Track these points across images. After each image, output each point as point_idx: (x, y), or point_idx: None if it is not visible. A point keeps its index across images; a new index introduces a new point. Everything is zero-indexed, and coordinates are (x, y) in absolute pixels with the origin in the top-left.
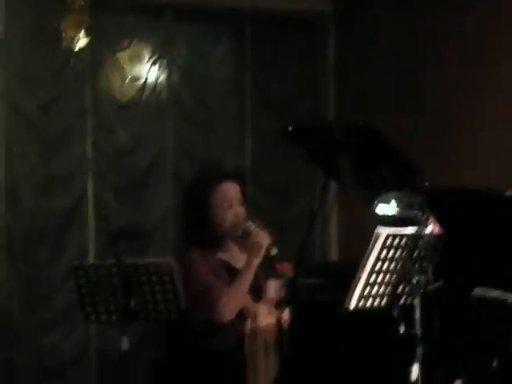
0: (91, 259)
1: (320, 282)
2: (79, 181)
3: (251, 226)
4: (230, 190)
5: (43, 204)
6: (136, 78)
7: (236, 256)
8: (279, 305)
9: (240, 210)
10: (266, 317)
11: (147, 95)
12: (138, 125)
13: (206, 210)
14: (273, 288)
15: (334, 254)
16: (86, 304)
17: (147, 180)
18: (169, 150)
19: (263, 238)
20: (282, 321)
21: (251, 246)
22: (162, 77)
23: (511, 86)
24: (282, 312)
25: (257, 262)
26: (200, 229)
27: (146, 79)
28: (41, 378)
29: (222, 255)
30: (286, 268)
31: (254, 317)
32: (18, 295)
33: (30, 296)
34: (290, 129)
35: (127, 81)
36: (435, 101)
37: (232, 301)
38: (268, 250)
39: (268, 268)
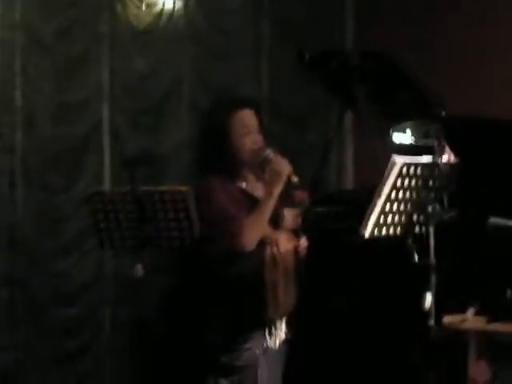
0: (106, 186)
1: (336, 210)
2: (95, 107)
3: (270, 153)
4: (248, 117)
5: (59, 130)
6: (153, 5)
7: (254, 185)
8: (296, 233)
9: (258, 138)
10: (285, 244)
11: (164, 22)
12: (155, 52)
13: (224, 136)
14: (290, 216)
15: (349, 183)
16: (101, 230)
17: (163, 107)
18: (185, 77)
19: (284, 166)
20: (299, 249)
21: (271, 175)
22: (179, 3)
23: None
24: (299, 240)
25: (278, 190)
26: (218, 156)
27: (163, 6)
28: (56, 303)
29: (240, 184)
30: (303, 196)
31: (274, 244)
32: (34, 220)
33: (45, 221)
34: (306, 55)
35: (144, 7)
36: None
37: (254, 230)
38: (289, 178)
39: (285, 196)
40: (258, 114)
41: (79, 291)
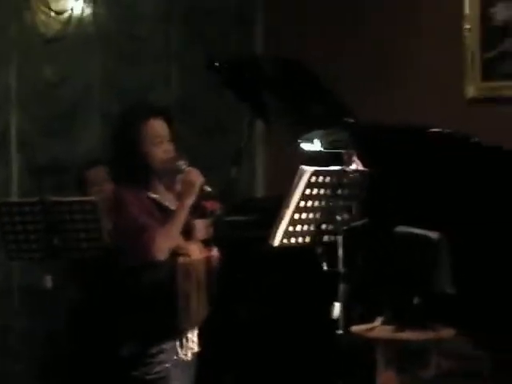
0: (14, 196)
1: (246, 219)
2: (3, 114)
3: (183, 164)
4: (159, 127)
5: None
6: (61, 11)
7: (165, 196)
8: (208, 244)
9: (169, 147)
10: (197, 255)
11: (73, 29)
12: (65, 59)
13: (135, 145)
14: (201, 227)
15: (260, 192)
16: (9, 241)
17: (75, 116)
18: (95, 83)
19: (196, 177)
20: (212, 259)
21: (184, 185)
22: (88, 10)
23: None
24: (211, 250)
25: (190, 201)
26: (129, 165)
27: (72, 12)
28: None
29: (151, 195)
30: (214, 207)
31: (186, 254)
32: None
33: None
34: (216, 63)
35: (52, 14)
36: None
37: (167, 240)
38: (201, 189)
39: (196, 207)
40: (169, 123)
41: None
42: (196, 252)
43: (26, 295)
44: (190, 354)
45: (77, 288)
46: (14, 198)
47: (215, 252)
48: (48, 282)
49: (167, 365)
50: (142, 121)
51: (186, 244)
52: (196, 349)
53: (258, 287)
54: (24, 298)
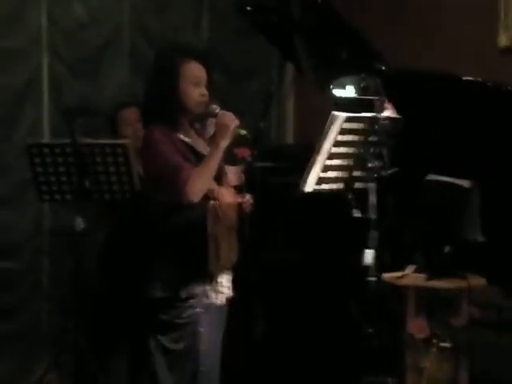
0: (46, 137)
1: (277, 166)
2: (33, 56)
3: (216, 108)
4: (199, 70)
5: None
6: None
7: (196, 141)
8: (240, 190)
9: (205, 92)
10: (228, 199)
11: None
12: (95, 1)
13: (174, 82)
14: (233, 173)
15: (289, 138)
16: (41, 183)
17: (103, 56)
18: (125, 25)
19: (231, 120)
20: (244, 205)
21: (219, 128)
22: None
23: None
24: (242, 197)
25: (225, 143)
26: (163, 106)
27: None
28: None
29: (184, 137)
30: (245, 153)
31: (217, 198)
32: None
33: None
34: (247, 7)
35: None
36: None
37: (201, 181)
38: (236, 132)
39: (227, 153)
40: (207, 68)
41: (18, 244)
42: (227, 197)
43: (57, 237)
44: (221, 299)
45: (107, 230)
46: (46, 140)
47: (248, 198)
48: (79, 223)
49: (198, 309)
50: (183, 60)
51: (217, 188)
52: (229, 294)
53: (289, 233)
54: (55, 240)
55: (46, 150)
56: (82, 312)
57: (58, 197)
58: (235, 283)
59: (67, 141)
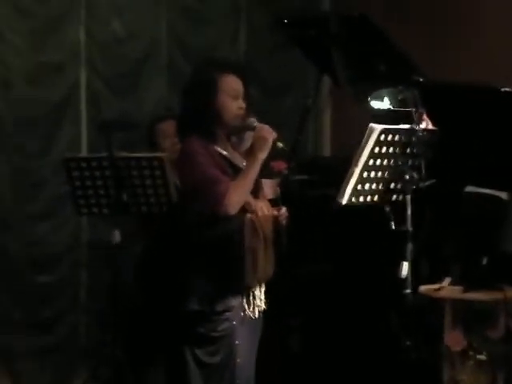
0: (83, 151)
1: (313, 178)
2: (72, 70)
3: (254, 121)
4: (237, 83)
5: (35, 93)
6: None
7: (233, 154)
8: (276, 203)
9: (243, 105)
10: (264, 212)
11: None
12: (132, 14)
13: (213, 94)
14: (269, 186)
15: (326, 151)
16: (78, 196)
17: (141, 71)
18: (162, 40)
19: (269, 133)
20: (280, 218)
21: (257, 141)
22: None
23: None
24: (279, 210)
25: (263, 156)
26: (201, 119)
27: None
28: (32, 269)
29: (221, 150)
30: (281, 166)
31: (254, 212)
32: (9, 186)
33: (21, 187)
34: (284, 20)
35: None
36: None
37: (239, 194)
38: (274, 144)
39: (263, 166)
40: (244, 82)
41: (56, 258)
42: (264, 210)
43: (95, 250)
44: (256, 312)
45: (145, 243)
46: (83, 154)
47: (284, 211)
48: (116, 236)
49: (234, 322)
50: (221, 73)
51: (254, 201)
52: (263, 307)
53: (327, 246)
54: (93, 253)
55: (83, 164)
56: (120, 325)
57: (95, 210)
58: (270, 295)
59: (104, 154)
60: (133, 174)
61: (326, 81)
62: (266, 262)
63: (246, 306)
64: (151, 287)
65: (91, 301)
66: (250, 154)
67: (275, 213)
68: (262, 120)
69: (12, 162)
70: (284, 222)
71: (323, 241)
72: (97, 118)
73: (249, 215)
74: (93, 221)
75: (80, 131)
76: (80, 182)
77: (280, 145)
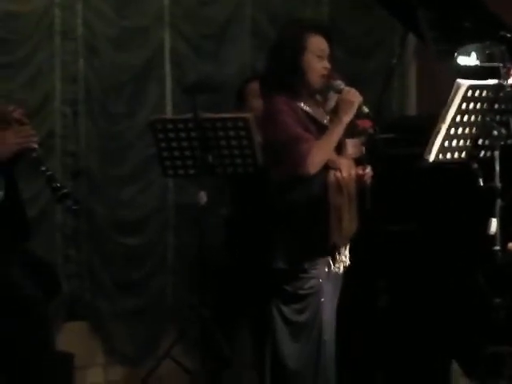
0: (168, 114)
1: (399, 137)
2: (155, 33)
3: (341, 84)
4: (323, 43)
5: (120, 58)
6: None
7: (317, 110)
8: (360, 162)
9: (328, 65)
10: (348, 170)
11: None
12: None
13: (299, 52)
14: (353, 145)
15: (412, 109)
16: (164, 158)
17: (225, 33)
18: (246, 2)
19: (355, 97)
20: (365, 177)
21: (343, 104)
22: None
23: None
24: (363, 169)
25: (348, 118)
26: (289, 72)
27: None
28: (120, 231)
29: (305, 107)
30: (367, 124)
31: (338, 169)
32: (97, 149)
33: (107, 150)
34: None
35: None
36: None
37: (321, 154)
38: (359, 108)
39: (348, 126)
40: (330, 42)
41: (143, 220)
42: (347, 168)
43: (182, 211)
44: (341, 268)
45: (231, 203)
46: (169, 115)
47: (368, 171)
48: (203, 197)
49: (320, 280)
50: (305, 33)
51: (338, 159)
52: (348, 262)
53: (414, 204)
54: (179, 214)
55: (169, 126)
56: (207, 285)
57: (181, 172)
58: (357, 255)
59: (190, 116)
60: (218, 135)
61: (411, 40)
62: (350, 220)
63: (332, 263)
64: (240, 247)
65: (179, 262)
66: (334, 115)
67: (360, 172)
68: (347, 82)
69: (98, 127)
70: (368, 181)
71: (411, 199)
72: (181, 81)
73: (333, 173)
74: (179, 182)
75: (165, 94)
76: (166, 144)
77: (365, 109)
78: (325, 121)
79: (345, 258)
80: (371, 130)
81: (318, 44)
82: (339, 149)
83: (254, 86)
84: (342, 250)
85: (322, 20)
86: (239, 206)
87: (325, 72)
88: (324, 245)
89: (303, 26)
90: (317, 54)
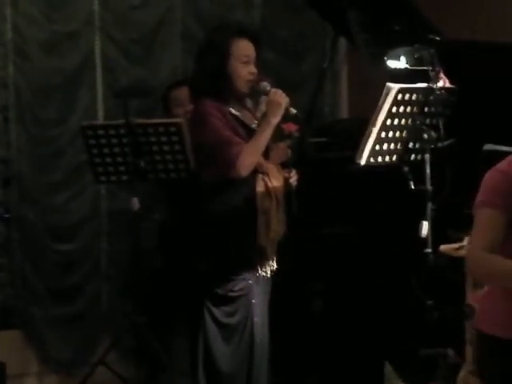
0: (100, 119)
1: (330, 140)
2: (86, 38)
3: (267, 86)
4: (248, 47)
5: (51, 62)
6: None
7: (246, 115)
8: (286, 165)
9: (254, 70)
10: (275, 175)
11: None
12: None
13: (223, 61)
14: (279, 149)
15: (343, 112)
16: (96, 164)
17: (155, 37)
18: (176, 6)
19: (282, 98)
20: (290, 180)
21: (270, 105)
22: None
23: None
24: (289, 172)
25: (276, 120)
26: (214, 80)
27: None
28: (52, 238)
29: (233, 111)
30: (293, 128)
31: (265, 174)
32: (28, 155)
33: (39, 156)
34: None
35: None
36: None
37: (251, 156)
38: (287, 110)
39: (275, 129)
40: (257, 44)
41: (76, 226)
42: (274, 172)
43: (115, 217)
44: (269, 271)
45: (164, 209)
46: (100, 121)
47: (293, 174)
48: (135, 203)
49: (250, 281)
50: (230, 39)
51: (265, 163)
52: (275, 266)
53: (345, 207)
54: (112, 220)
55: (100, 132)
56: (141, 292)
57: (114, 178)
58: (289, 258)
59: (121, 121)
60: (150, 141)
61: (342, 43)
62: (277, 223)
63: (259, 266)
64: (172, 252)
65: (112, 268)
66: (263, 117)
67: (285, 175)
68: (279, 84)
69: (29, 133)
70: (294, 184)
71: (342, 202)
72: (113, 86)
73: (260, 176)
74: (112, 188)
75: (96, 99)
76: (97, 150)
77: (293, 111)
78: (253, 125)
79: (272, 261)
80: (297, 134)
81: (242, 50)
82: (266, 153)
83: (176, 94)
84: (269, 253)
85: (250, 23)
86: (172, 211)
87: (251, 77)
88: (252, 248)
89: (227, 31)
90: (242, 61)
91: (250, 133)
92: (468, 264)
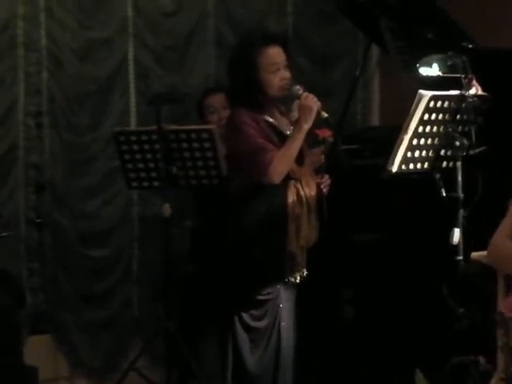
0: (133, 125)
1: (361, 148)
2: (119, 45)
3: (299, 89)
4: (276, 54)
5: (84, 69)
6: None
7: (280, 120)
8: (319, 170)
9: (286, 74)
10: (308, 181)
11: None
12: None
13: (253, 73)
14: (313, 154)
15: (375, 120)
16: (128, 170)
17: (189, 44)
18: (210, 13)
19: (314, 102)
20: (322, 186)
21: (302, 110)
22: None
23: None
24: (322, 178)
25: (308, 125)
26: (246, 90)
27: None
28: (84, 244)
29: (268, 118)
30: (327, 134)
31: (298, 180)
32: (61, 161)
33: (72, 162)
34: None
35: None
36: None
37: (283, 163)
38: (318, 114)
39: (308, 134)
40: (286, 49)
41: (107, 232)
42: (307, 178)
43: (146, 223)
44: (298, 277)
45: (196, 215)
46: (132, 127)
47: (326, 179)
48: (167, 210)
49: (278, 285)
50: (258, 49)
51: (298, 169)
52: (305, 273)
53: (377, 215)
54: (144, 226)
55: (132, 137)
56: (172, 297)
57: (145, 184)
58: (320, 266)
59: (154, 127)
60: (182, 147)
61: (374, 50)
62: (308, 229)
63: (288, 272)
64: (203, 258)
65: (143, 274)
66: (295, 124)
67: (318, 180)
68: (310, 90)
69: (62, 139)
70: (325, 190)
71: (373, 210)
72: (145, 92)
73: (292, 183)
74: (143, 194)
75: (129, 105)
76: (130, 156)
77: (324, 114)
78: (288, 131)
79: (302, 268)
80: (331, 139)
81: (269, 58)
82: (299, 158)
83: (210, 101)
84: (299, 259)
85: (284, 30)
86: (204, 218)
87: (283, 83)
88: (282, 252)
89: (252, 42)
90: (270, 70)
91: (284, 139)
92: (489, 249)
